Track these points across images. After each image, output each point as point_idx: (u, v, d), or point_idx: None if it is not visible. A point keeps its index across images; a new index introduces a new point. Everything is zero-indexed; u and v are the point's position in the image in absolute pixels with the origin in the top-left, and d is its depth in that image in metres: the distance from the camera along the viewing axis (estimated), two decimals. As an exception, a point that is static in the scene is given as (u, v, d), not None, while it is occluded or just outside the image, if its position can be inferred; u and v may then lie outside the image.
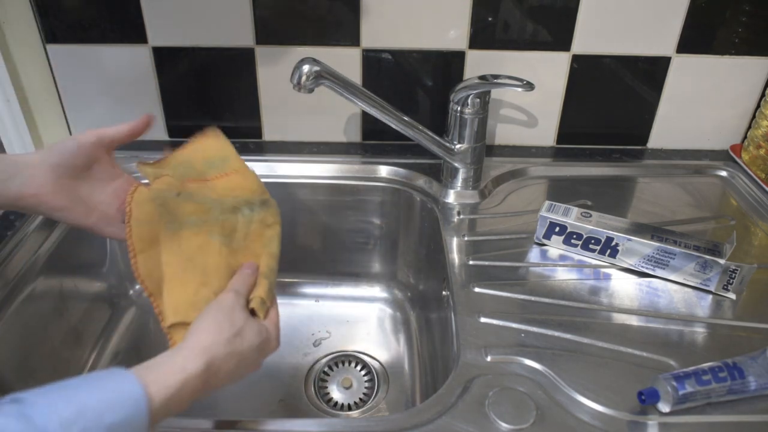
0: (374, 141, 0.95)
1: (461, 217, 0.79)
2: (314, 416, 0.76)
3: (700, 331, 0.62)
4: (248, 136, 0.95)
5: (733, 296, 0.66)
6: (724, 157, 0.94)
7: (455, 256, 0.72)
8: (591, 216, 0.72)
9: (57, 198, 0.54)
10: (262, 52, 0.87)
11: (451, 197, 0.83)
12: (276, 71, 0.88)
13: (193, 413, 0.49)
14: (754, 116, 0.90)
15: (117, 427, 0.36)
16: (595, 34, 0.85)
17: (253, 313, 0.53)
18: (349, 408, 0.78)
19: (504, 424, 0.51)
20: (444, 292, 0.72)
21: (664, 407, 0.53)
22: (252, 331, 0.50)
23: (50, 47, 0.87)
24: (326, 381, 0.81)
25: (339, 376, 0.82)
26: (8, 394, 0.35)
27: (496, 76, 0.76)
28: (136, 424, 0.38)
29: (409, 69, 0.89)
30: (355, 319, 0.91)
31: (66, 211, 0.55)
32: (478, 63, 0.87)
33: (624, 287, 0.68)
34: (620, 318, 0.64)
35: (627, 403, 0.53)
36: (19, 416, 0.33)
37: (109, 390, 0.38)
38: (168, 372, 0.42)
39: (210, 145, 0.67)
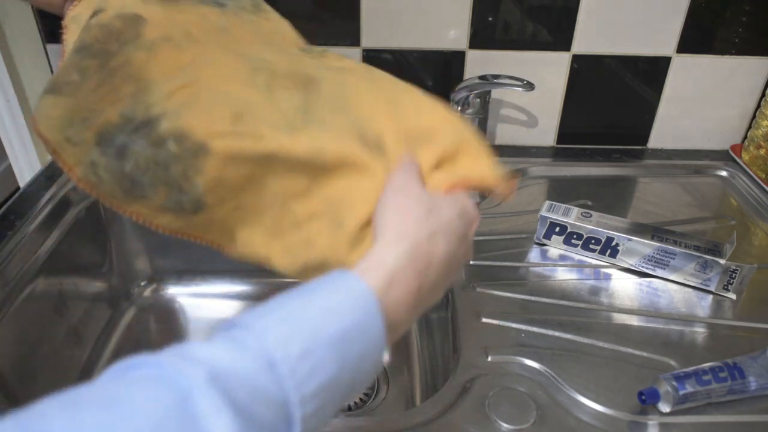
0: (374, 141, 0.95)
1: (461, 217, 0.79)
2: (314, 416, 0.76)
3: (700, 331, 0.62)
4: (248, 136, 0.95)
5: (733, 296, 0.66)
6: (724, 157, 0.94)
7: (455, 256, 0.72)
8: (591, 216, 0.72)
9: None
10: (262, 52, 0.87)
11: (451, 197, 0.83)
12: (276, 71, 0.88)
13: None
14: (754, 116, 0.90)
15: (347, 334, 0.30)
16: (595, 34, 0.85)
17: None
18: (349, 408, 0.78)
19: (504, 424, 0.51)
20: (444, 292, 0.72)
21: (664, 407, 0.52)
22: (444, 201, 0.39)
23: (50, 47, 0.87)
24: (326, 381, 0.81)
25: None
26: (6, 392, 0.32)
27: (496, 76, 0.76)
28: (368, 328, 0.31)
29: (409, 69, 0.89)
30: (355, 319, 0.91)
31: None
32: (478, 63, 0.87)
33: (624, 287, 0.68)
34: (620, 318, 0.64)
35: (627, 403, 0.53)
36: (262, 360, 0.28)
37: (331, 293, 0.31)
38: (371, 269, 0.34)
39: None
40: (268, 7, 0.58)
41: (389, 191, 0.39)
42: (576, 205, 0.74)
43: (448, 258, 0.37)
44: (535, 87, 0.74)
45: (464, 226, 0.40)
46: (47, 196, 0.80)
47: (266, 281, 0.95)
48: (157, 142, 0.42)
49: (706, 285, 0.67)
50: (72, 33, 0.48)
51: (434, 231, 0.37)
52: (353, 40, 0.86)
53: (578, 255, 0.72)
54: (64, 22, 0.50)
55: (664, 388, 0.52)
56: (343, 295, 0.31)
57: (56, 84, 0.43)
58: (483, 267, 0.70)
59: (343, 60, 0.51)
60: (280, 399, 0.27)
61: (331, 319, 0.30)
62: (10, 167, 0.97)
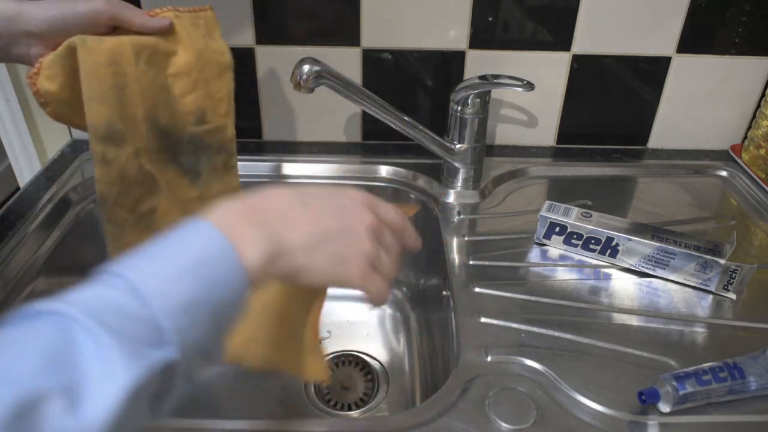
0: (374, 141, 0.95)
1: (461, 217, 0.79)
2: (314, 416, 0.76)
3: (700, 331, 0.62)
4: (248, 136, 0.95)
5: (733, 296, 0.66)
6: (724, 157, 0.94)
7: (455, 256, 0.72)
8: (591, 216, 0.72)
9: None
10: (262, 52, 0.87)
11: (451, 197, 0.83)
12: (276, 71, 0.88)
13: (194, 413, 0.49)
14: (754, 116, 0.90)
15: (200, 260, 0.34)
16: (595, 34, 0.85)
17: None
18: (349, 408, 0.78)
19: (504, 424, 0.51)
20: (444, 292, 0.72)
21: (664, 407, 0.53)
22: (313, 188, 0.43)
23: (50, 47, 0.87)
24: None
25: (339, 376, 0.82)
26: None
27: (496, 76, 0.76)
28: (221, 253, 0.35)
29: (409, 69, 0.89)
30: (355, 319, 0.91)
31: None
32: (478, 63, 0.87)
33: (624, 287, 0.68)
34: (620, 318, 0.64)
35: (627, 403, 0.53)
36: (128, 290, 0.32)
37: (180, 234, 0.35)
38: (216, 214, 0.38)
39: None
40: (235, 162, 0.69)
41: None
42: (576, 205, 0.74)
43: (301, 199, 0.40)
44: (535, 87, 0.74)
45: (332, 197, 0.43)
46: (47, 196, 0.80)
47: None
48: None
49: (706, 285, 0.67)
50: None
51: (284, 192, 0.41)
52: (353, 40, 0.86)
53: (578, 255, 0.72)
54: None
55: (664, 388, 0.52)
56: (191, 233, 0.36)
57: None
58: (483, 267, 0.70)
59: None
60: (147, 316, 0.31)
61: (182, 250, 0.34)
62: (10, 167, 0.97)
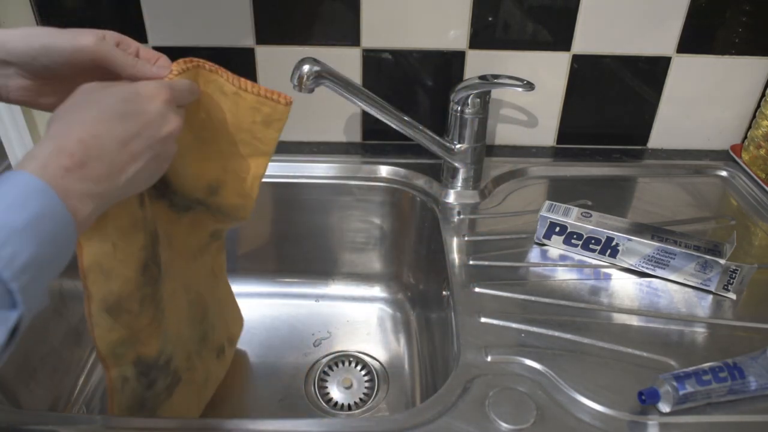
0: (374, 141, 0.95)
1: (461, 217, 0.79)
2: (314, 416, 0.76)
3: (700, 331, 0.62)
4: (248, 136, 0.95)
5: (733, 296, 0.66)
6: (724, 157, 0.94)
7: (455, 256, 0.72)
8: (591, 216, 0.72)
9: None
10: (262, 52, 0.87)
11: (451, 197, 0.83)
12: (276, 71, 0.88)
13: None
14: (754, 116, 0.90)
15: (33, 220, 0.35)
16: (595, 34, 0.85)
17: None
18: (349, 408, 0.78)
19: (504, 424, 0.51)
20: (444, 292, 0.72)
21: (664, 407, 0.53)
22: (112, 89, 0.45)
23: (50, 47, 0.87)
24: (326, 381, 0.81)
25: (339, 376, 0.82)
26: (6, 392, 0.37)
27: (496, 76, 0.76)
28: (52, 210, 0.37)
29: (409, 69, 0.89)
30: (355, 319, 0.91)
31: None
32: (478, 63, 0.87)
33: (624, 287, 0.68)
34: (620, 318, 0.64)
35: (627, 403, 0.53)
36: None
37: (9, 193, 0.36)
38: (28, 164, 0.39)
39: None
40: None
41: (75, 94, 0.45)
42: (576, 205, 0.74)
43: (107, 132, 0.42)
44: (535, 87, 0.74)
45: (127, 106, 0.44)
46: (47, 196, 0.80)
47: (264, 280, 0.95)
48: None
49: (706, 285, 0.67)
50: None
51: (89, 117, 0.42)
52: (353, 40, 0.86)
53: (578, 255, 0.72)
54: None
55: (664, 388, 0.52)
56: (20, 190, 0.37)
57: (117, 307, 0.51)
58: (483, 267, 0.70)
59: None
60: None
61: (16, 212, 0.35)
62: (10, 167, 0.97)
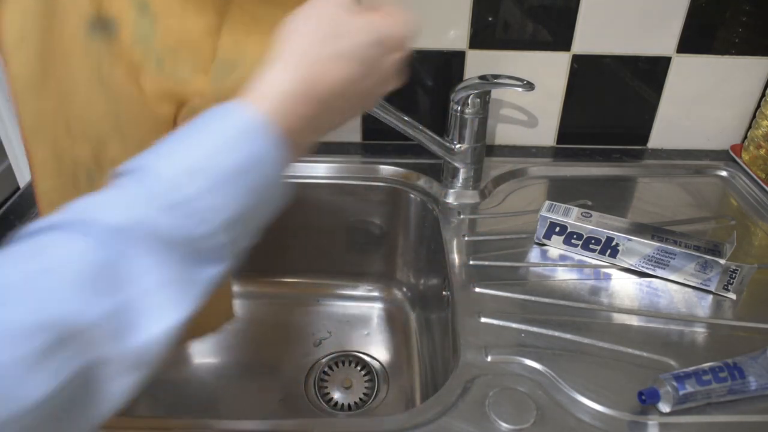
0: (374, 141, 0.95)
1: (461, 217, 0.79)
2: (314, 416, 0.76)
3: (700, 331, 0.62)
4: (248, 136, 0.95)
5: (733, 296, 0.66)
6: (724, 157, 0.94)
7: (455, 256, 0.72)
8: (591, 216, 0.72)
9: None
10: (262, 52, 0.87)
11: (451, 197, 0.83)
12: (276, 71, 0.88)
13: (194, 413, 0.49)
14: (754, 116, 0.90)
15: (243, 166, 0.31)
16: (595, 34, 0.85)
17: None
18: (349, 408, 0.78)
19: (504, 424, 0.51)
20: (444, 292, 0.72)
21: (664, 407, 0.53)
22: (357, 25, 0.37)
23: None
24: (326, 381, 0.81)
25: (339, 376, 0.82)
26: None
27: (496, 76, 0.76)
28: (265, 157, 0.33)
29: (409, 69, 0.88)
30: (355, 319, 0.91)
31: None
32: (478, 63, 0.87)
33: (624, 287, 0.68)
34: (620, 318, 0.64)
35: (627, 403, 0.53)
36: (138, 183, 0.30)
37: (224, 128, 0.32)
38: (265, 95, 0.34)
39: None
40: None
41: (300, 11, 0.38)
42: (576, 205, 0.74)
43: (353, 84, 0.37)
44: (535, 87, 0.74)
45: (380, 53, 0.38)
46: (47, 196, 0.80)
47: (264, 281, 0.95)
48: None
49: (706, 285, 0.67)
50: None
51: (337, 54, 0.36)
52: (353, 40, 0.86)
53: (578, 255, 0.72)
54: None
55: (664, 388, 0.52)
56: (237, 129, 0.32)
57: None
58: (483, 267, 0.70)
59: None
60: (208, 232, 0.30)
61: (225, 154, 0.31)
62: (10, 167, 0.97)
